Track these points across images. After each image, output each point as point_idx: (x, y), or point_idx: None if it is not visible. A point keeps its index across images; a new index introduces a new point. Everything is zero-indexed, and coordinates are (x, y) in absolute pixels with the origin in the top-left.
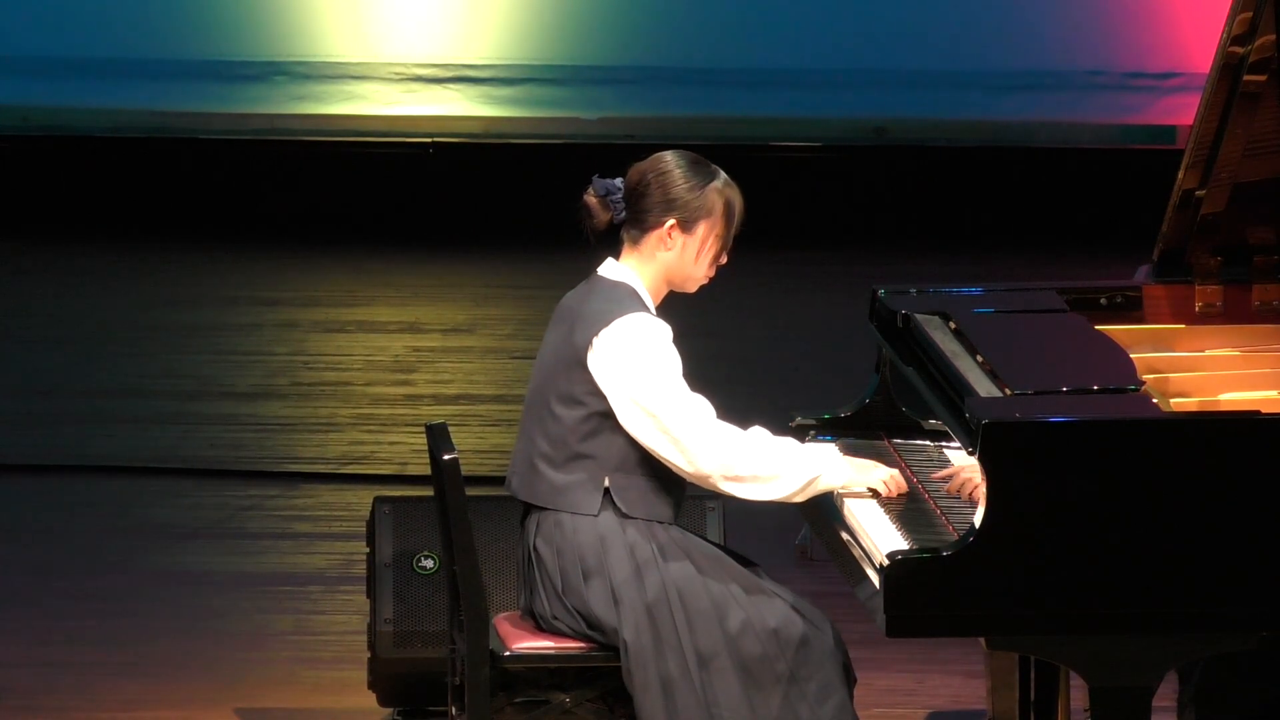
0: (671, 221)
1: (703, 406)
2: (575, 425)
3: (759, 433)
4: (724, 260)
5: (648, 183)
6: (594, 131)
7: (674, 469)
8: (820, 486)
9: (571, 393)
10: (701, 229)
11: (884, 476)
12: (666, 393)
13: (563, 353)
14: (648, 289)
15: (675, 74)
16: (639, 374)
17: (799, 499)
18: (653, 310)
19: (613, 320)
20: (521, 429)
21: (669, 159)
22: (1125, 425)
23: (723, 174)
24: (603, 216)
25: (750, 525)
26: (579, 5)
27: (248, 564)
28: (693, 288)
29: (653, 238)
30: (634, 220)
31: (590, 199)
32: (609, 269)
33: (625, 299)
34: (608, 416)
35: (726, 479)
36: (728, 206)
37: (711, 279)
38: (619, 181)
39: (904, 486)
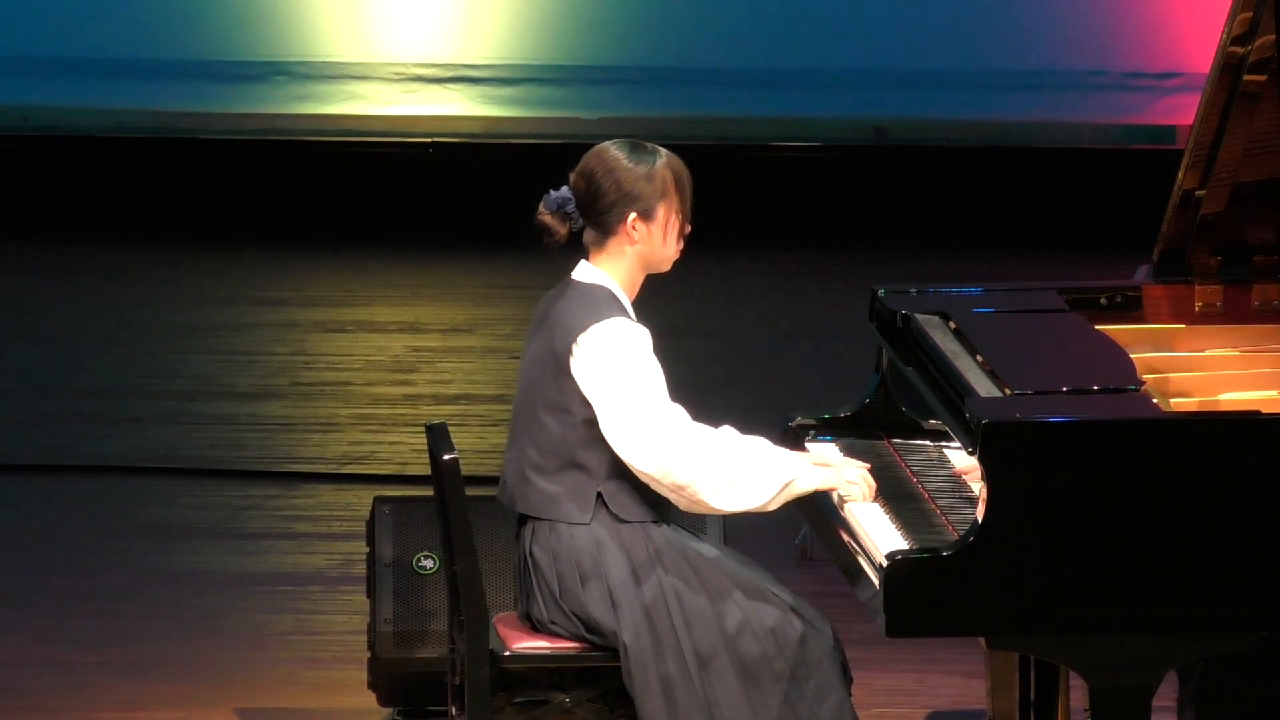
0: (633, 215)
1: (679, 418)
2: (565, 434)
3: (728, 433)
4: (688, 229)
5: (597, 185)
6: (594, 131)
7: (647, 479)
8: (795, 491)
9: (559, 401)
10: (661, 211)
11: (853, 476)
12: (642, 402)
13: (546, 361)
14: (623, 286)
15: (675, 74)
16: (616, 381)
17: (772, 507)
18: (630, 313)
19: (590, 326)
20: (511, 438)
21: (609, 155)
22: (1125, 425)
23: (662, 150)
24: (562, 230)
25: (750, 525)
26: (579, 5)
27: (248, 564)
28: (667, 266)
29: (618, 235)
30: (594, 224)
31: (545, 217)
32: (583, 272)
33: (602, 303)
34: (595, 423)
35: (702, 491)
36: (677, 179)
37: (681, 250)
38: (567, 191)
39: (873, 484)
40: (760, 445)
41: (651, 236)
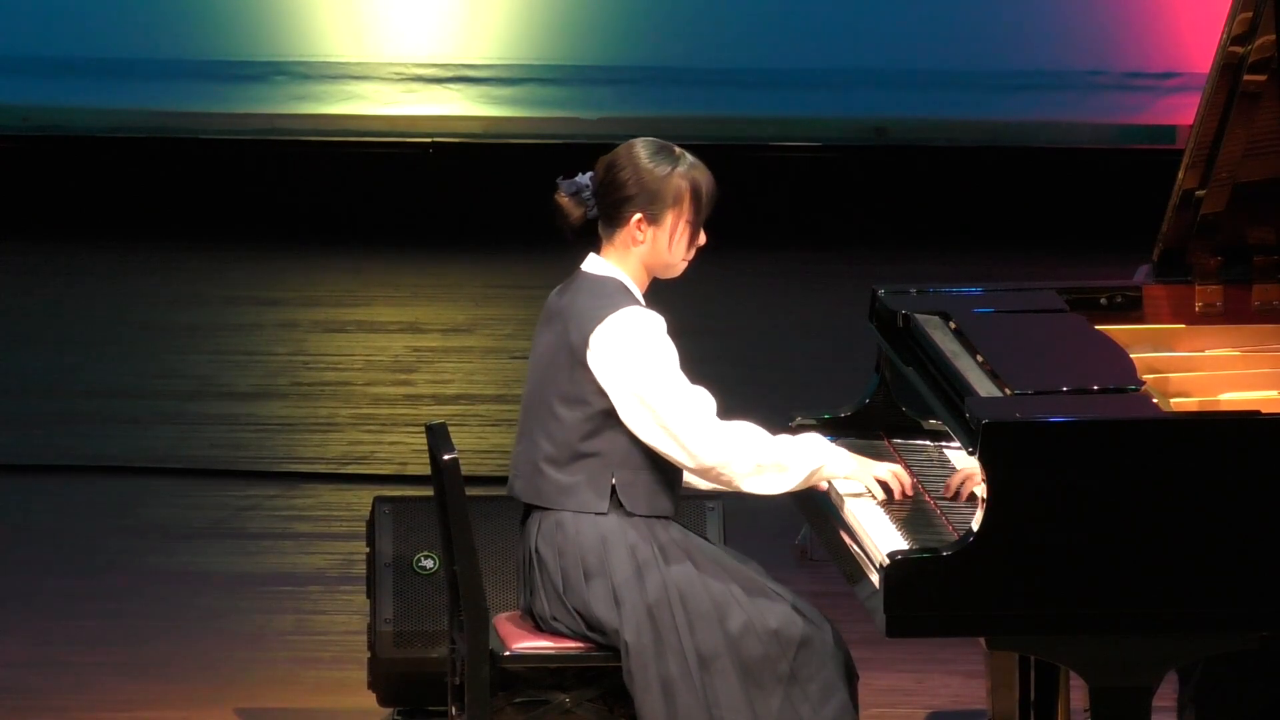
0: (638, 216)
1: (703, 399)
2: (578, 424)
3: (751, 427)
4: (702, 241)
5: (613, 177)
6: (594, 131)
7: (676, 464)
8: (824, 475)
9: (574, 393)
10: (669, 218)
11: (890, 472)
12: (665, 387)
13: (560, 353)
14: (633, 279)
15: (675, 74)
16: (637, 369)
17: (801, 488)
18: (642, 302)
19: (606, 316)
20: (521, 431)
21: (629, 152)
22: (1125, 425)
23: (687, 158)
24: (576, 213)
25: (750, 525)
26: (579, 5)
27: (248, 564)
28: (676, 273)
29: (623, 232)
30: (605, 215)
31: (561, 199)
32: (593, 264)
33: (614, 293)
34: (610, 414)
35: (731, 472)
36: (694, 190)
37: (692, 260)
38: (586, 178)
39: (907, 482)
40: (782, 436)
41: (656, 241)
